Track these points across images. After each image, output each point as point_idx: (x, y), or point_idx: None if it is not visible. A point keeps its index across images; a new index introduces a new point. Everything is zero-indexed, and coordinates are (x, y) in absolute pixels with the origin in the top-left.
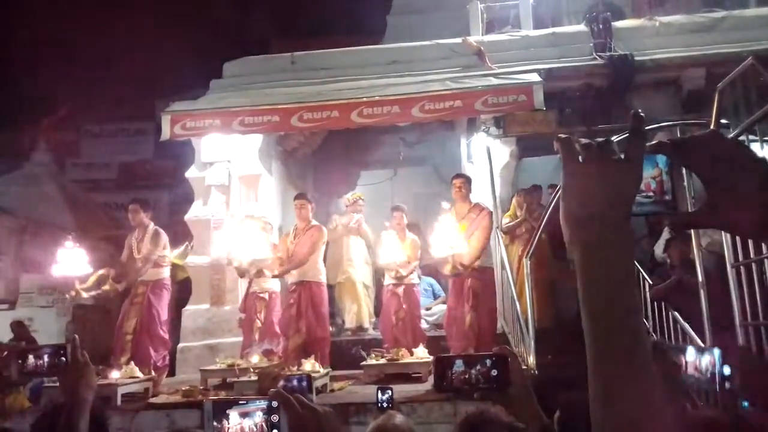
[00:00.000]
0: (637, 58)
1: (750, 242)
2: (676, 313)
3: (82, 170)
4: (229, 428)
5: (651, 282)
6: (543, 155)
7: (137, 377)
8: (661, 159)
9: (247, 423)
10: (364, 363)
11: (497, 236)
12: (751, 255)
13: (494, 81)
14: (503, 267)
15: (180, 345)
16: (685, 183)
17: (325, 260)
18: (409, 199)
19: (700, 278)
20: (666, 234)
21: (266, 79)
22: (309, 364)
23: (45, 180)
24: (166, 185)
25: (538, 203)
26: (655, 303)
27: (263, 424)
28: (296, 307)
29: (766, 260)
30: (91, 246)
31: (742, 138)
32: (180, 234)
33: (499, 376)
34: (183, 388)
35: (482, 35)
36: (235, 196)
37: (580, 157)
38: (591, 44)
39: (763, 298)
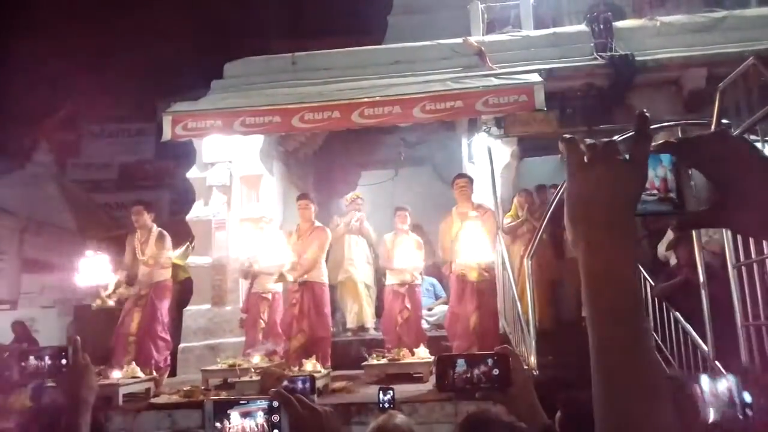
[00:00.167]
0: (638, 58)
1: (751, 242)
2: (678, 314)
3: (82, 170)
4: (230, 428)
5: (652, 282)
6: (544, 155)
7: (139, 377)
8: (665, 158)
9: (248, 423)
10: (365, 363)
11: (499, 237)
12: (752, 255)
13: (495, 81)
14: (504, 267)
15: (181, 345)
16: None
17: (326, 260)
18: (410, 199)
19: (701, 278)
20: (670, 233)
21: (267, 79)
22: (310, 364)
23: (46, 180)
24: (167, 185)
25: (543, 203)
26: (657, 303)
27: (264, 424)
28: (299, 307)
29: (767, 260)
30: (91, 246)
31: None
32: (181, 234)
33: (500, 375)
34: (184, 389)
35: (483, 35)
36: (236, 197)
37: (585, 158)
38: (592, 44)
39: (765, 298)
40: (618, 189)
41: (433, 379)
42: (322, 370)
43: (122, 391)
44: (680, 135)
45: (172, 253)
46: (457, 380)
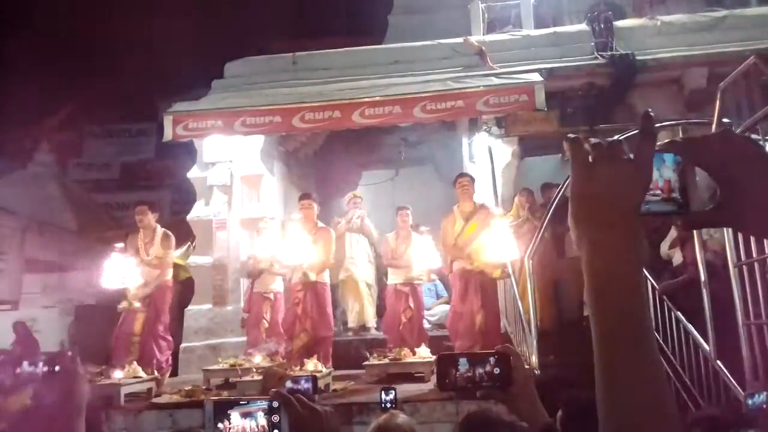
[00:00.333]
0: (638, 58)
1: (752, 241)
2: (679, 313)
3: (83, 170)
4: (230, 429)
5: (653, 280)
6: (545, 155)
7: (140, 377)
8: (669, 157)
9: (249, 423)
10: (366, 363)
11: None
12: (754, 254)
13: (496, 81)
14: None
15: (182, 345)
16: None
17: None
18: (410, 199)
19: (702, 277)
20: (673, 232)
21: (268, 79)
22: (312, 364)
23: (47, 180)
24: (168, 185)
25: (547, 201)
26: (658, 303)
27: (264, 424)
28: (302, 306)
29: None
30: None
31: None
32: (181, 234)
33: (501, 374)
34: (185, 388)
35: (483, 35)
36: (237, 197)
37: (589, 157)
38: (592, 44)
39: (766, 297)
40: (622, 189)
41: (434, 379)
42: (324, 370)
43: (124, 390)
44: (682, 134)
45: (174, 253)
46: (459, 379)
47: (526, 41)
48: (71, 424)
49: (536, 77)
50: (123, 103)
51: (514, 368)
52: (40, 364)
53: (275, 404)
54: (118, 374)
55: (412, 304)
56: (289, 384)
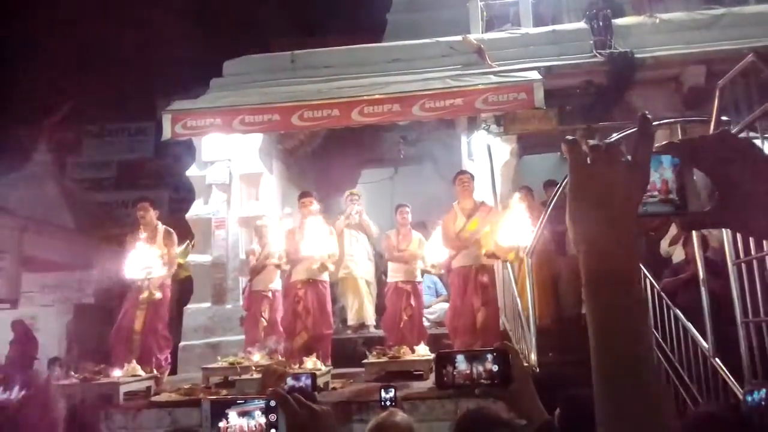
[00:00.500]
0: (637, 56)
1: (751, 239)
2: (678, 311)
3: (82, 169)
4: (228, 428)
5: (652, 279)
6: (543, 153)
7: (139, 375)
8: (666, 159)
9: (247, 422)
10: (365, 361)
11: None
12: (752, 252)
13: (494, 79)
14: (504, 265)
15: (182, 343)
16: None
17: None
18: (409, 197)
19: (701, 274)
20: (673, 229)
21: (266, 77)
22: (311, 362)
23: (46, 179)
24: (167, 184)
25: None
26: (657, 300)
27: (262, 423)
28: (303, 304)
29: (767, 257)
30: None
31: (742, 135)
32: (180, 233)
33: (500, 372)
34: (185, 387)
35: (482, 33)
36: (236, 195)
37: (587, 159)
38: (591, 41)
39: (765, 294)
40: (620, 190)
41: (433, 377)
42: (323, 368)
43: (123, 389)
44: (680, 132)
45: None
46: (457, 377)
47: (525, 39)
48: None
49: (535, 75)
50: (122, 102)
51: (513, 366)
52: (16, 388)
53: (272, 403)
54: (117, 373)
55: (413, 302)
56: (290, 381)
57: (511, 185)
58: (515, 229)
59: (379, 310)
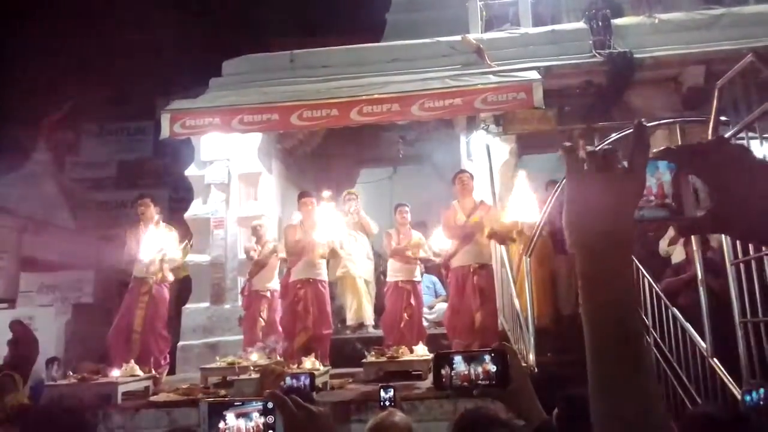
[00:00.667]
0: (636, 56)
1: None
2: (676, 311)
3: (81, 169)
4: (226, 430)
5: (650, 279)
6: (543, 153)
7: (138, 375)
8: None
9: (244, 424)
10: (364, 360)
11: None
12: (751, 252)
13: (494, 79)
14: (503, 265)
15: (180, 343)
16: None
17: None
18: (408, 196)
19: (699, 275)
20: (673, 230)
21: (265, 77)
22: (309, 362)
23: (45, 179)
24: (166, 184)
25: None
26: (656, 300)
27: (260, 425)
28: (302, 304)
29: (765, 257)
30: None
31: (741, 135)
32: (179, 232)
33: (498, 372)
34: (183, 387)
35: (482, 33)
36: (235, 195)
37: (584, 166)
38: (590, 41)
39: (763, 295)
40: (616, 198)
41: (431, 377)
42: (321, 368)
43: (121, 389)
44: (679, 132)
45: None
46: (455, 378)
47: (525, 39)
48: None
49: (534, 75)
50: (121, 101)
51: (511, 366)
52: None
53: (270, 405)
54: (115, 373)
55: (413, 302)
56: (288, 380)
57: (510, 185)
58: (519, 205)
59: (378, 309)
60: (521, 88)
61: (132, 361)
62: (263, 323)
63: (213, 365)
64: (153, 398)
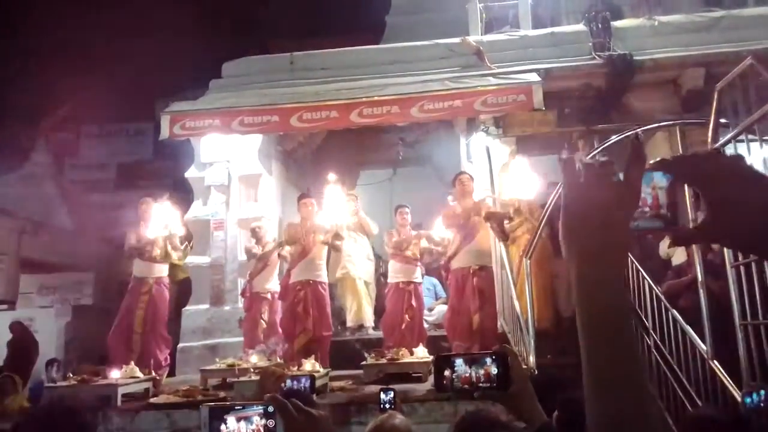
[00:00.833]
0: (636, 58)
1: None
2: (676, 313)
3: (81, 170)
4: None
5: (650, 281)
6: (542, 154)
7: (137, 377)
8: (658, 175)
9: (245, 427)
10: (364, 363)
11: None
12: (751, 255)
13: (493, 81)
14: (503, 267)
15: (180, 345)
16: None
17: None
18: (408, 198)
19: (699, 277)
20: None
21: (265, 79)
22: (309, 364)
23: (44, 180)
24: (165, 185)
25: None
26: (656, 302)
27: (260, 428)
28: (302, 305)
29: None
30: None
31: (741, 138)
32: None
33: (499, 374)
34: (183, 388)
35: (481, 35)
36: (235, 196)
37: (581, 178)
38: (590, 44)
39: (763, 297)
40: (612, 210)
41: (432, 379)
42: (321, 370)
43: (121, 391)
44: (679, 135)
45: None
46: (456, 380)
47: (524, 41)
48: None
49: (534, 77)
50: (120, 102)
51: (512, 368)
52: None
53: (271, 409)
54: (115, 374)
55: (414, 303)
56: (289, 382)
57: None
58: (517, 183)
59: (378, 311)
60: (521, 90)
61: (132, 362)
62: (264, 325)
63: (213, 367)
64: (153, 400)
